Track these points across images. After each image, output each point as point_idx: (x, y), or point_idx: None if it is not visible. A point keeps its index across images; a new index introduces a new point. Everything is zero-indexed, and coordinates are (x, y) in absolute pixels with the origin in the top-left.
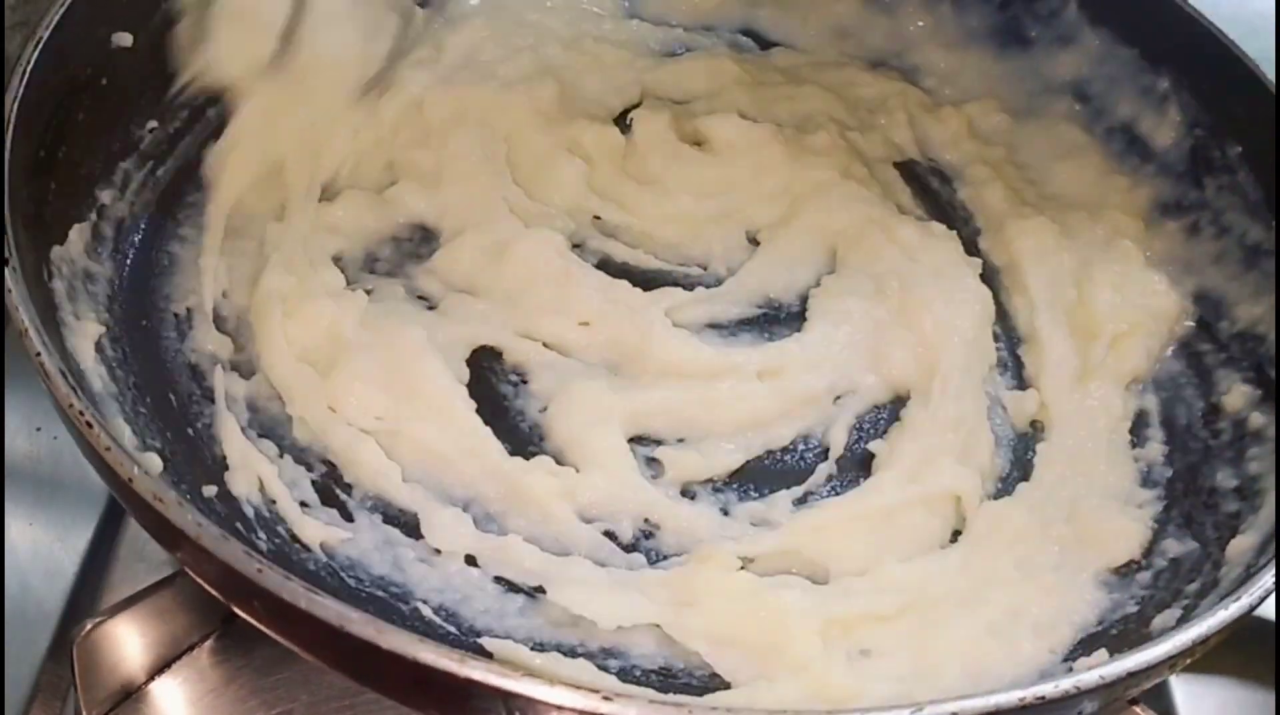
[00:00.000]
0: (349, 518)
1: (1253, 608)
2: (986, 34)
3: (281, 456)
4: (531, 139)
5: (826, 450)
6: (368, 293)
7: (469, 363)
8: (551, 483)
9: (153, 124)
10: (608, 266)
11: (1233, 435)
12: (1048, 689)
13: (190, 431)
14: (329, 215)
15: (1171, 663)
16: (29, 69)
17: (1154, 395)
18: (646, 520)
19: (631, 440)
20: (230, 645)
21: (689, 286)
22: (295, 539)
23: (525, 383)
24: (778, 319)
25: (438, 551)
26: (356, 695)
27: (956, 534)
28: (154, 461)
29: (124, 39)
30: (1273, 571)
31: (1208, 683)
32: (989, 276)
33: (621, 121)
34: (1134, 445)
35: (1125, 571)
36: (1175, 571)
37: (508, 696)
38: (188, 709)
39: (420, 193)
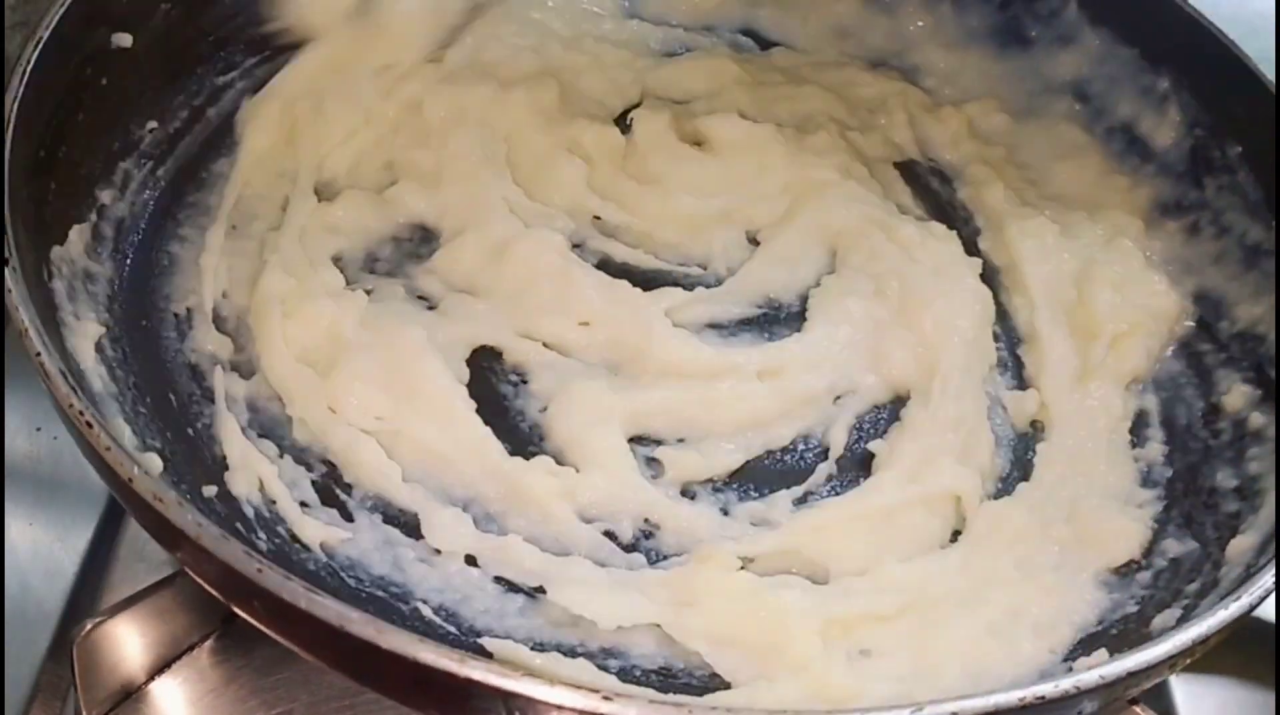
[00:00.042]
0: (349, 518)
1: (1253, 607)
2: (986, 34)
3: (281, 456)
4: (531, 139)
5: (826, 450)
6: (368, 293)
7: (469, 363)
8: (551, 483)
9: (152, 124)
10: (608, 266)
11: (1233, 435)
12: (1047, 689)
13: (190, 431)
14: (329, 215)
15: (1171, 662)
16: (29, 69)
17: (1154, 395)
18: (646, 520)
19: (631, 440)
20: (230, 645)
21: (689, 286)
22: (295, 539)
23: (525, 383)
24: (778, 319)
25: (438, 551)
26: (356, 695)
27: (956, 534)
28: (154, 462)
29: (124, 39)
30: (1273, 571)
31: (1208, 683)
32: (989, 276)
33: (621, 121)
34: (1134, 445)
35: (1125, 571)
36: (1175, 571)
37: (508, 696)
38: (188, 709)
39: (420, 193)
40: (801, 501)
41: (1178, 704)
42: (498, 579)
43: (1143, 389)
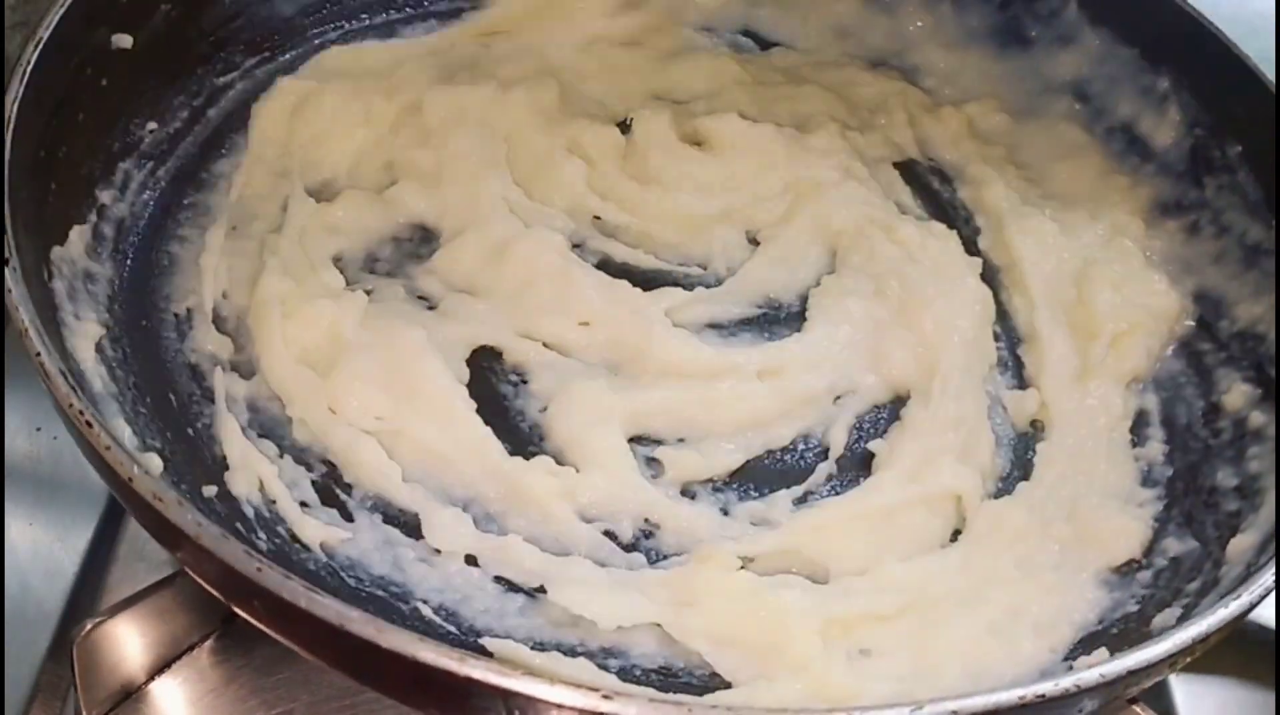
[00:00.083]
0: (349, 518)
1: (1253, 606)
2: (986, 34)
3: (281, 456)
4: (532, 139)
5: (826, 450)
6: (368, 293)
7: (469, 363)
8: (551, 483)
9: (153, 125)
10: (608, 266)
11: (1233, 434)
12: (1047, 687)
13: (190, 431)
14: (329, 215)
15: (1172, 661)
16: (29, 69)
17: (1154, 394)
18: (646, 520)
19: (631, 440)
20: (230, 645)
21: (689, 286)
22: (295, 539)
23: (525, 383)
24: (778, 319)
25: (438, 551)
26: (357, 695)
27: (957, 533)
28: (154, 461)
29: (124, 40)
30: (1273, 570)
31: (1208, 683)
32: (989, 276)
33: (621, 121)
34: (1134, 444)
35: (1126, 570)
36: (1176, 570)
37: (508, 695)
38: (188, 709)
39: (420, 193)
40: (801, 501)
41: (1178, 704)
42: (498, 579)
43: (1143, 388)
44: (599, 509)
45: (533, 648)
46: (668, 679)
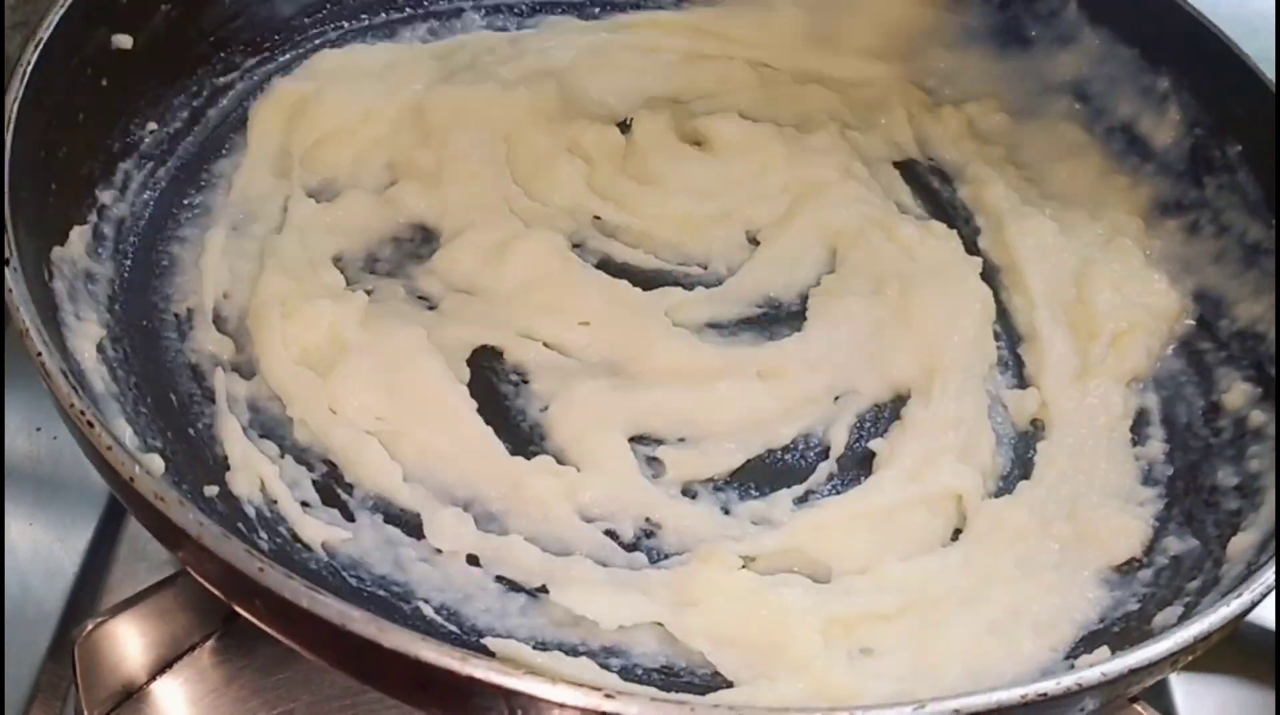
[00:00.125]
0: (350, 518)
1: (1254, 604)
2: (986, 34)
3: (283, 456)
4: (532, 139)
5: (827, 449)
6: (368, 293)
7: (469, 363)
8: (553, 482)
9: (153, 125)
10: (608, 266)
11: (1233, 433)
12: (1049, 686)
13: (191, 432)
14: (329, 215)
15: (1173, 660)
16: (29, 70)
17: (1154, 393)
18: (648, 519)
19: (632, 440)
20: (231, 645)
21: (689, 286)
22: (297, 539)
23: (526, 382)
24: (778, 318)
25: (439, 551)
26: (358, 695)
27: (958, 532)
28: (155, 462)
29: (124, 40)
30: (1273, 569)
31: (1208, 681)
32: (989, 275)
33: (621, 122)
34: (1135, 443)
35: (1126, 569)
36: (1176, 569)
37: (510, 695)
38: (189, 709)
39: (421, 193)
40: (802, 500)
41: (1178, 703)
42: (499, 578)
43: (1143, 387)
44: (600, 508)
45: (534, 647)
46: (669, 678)
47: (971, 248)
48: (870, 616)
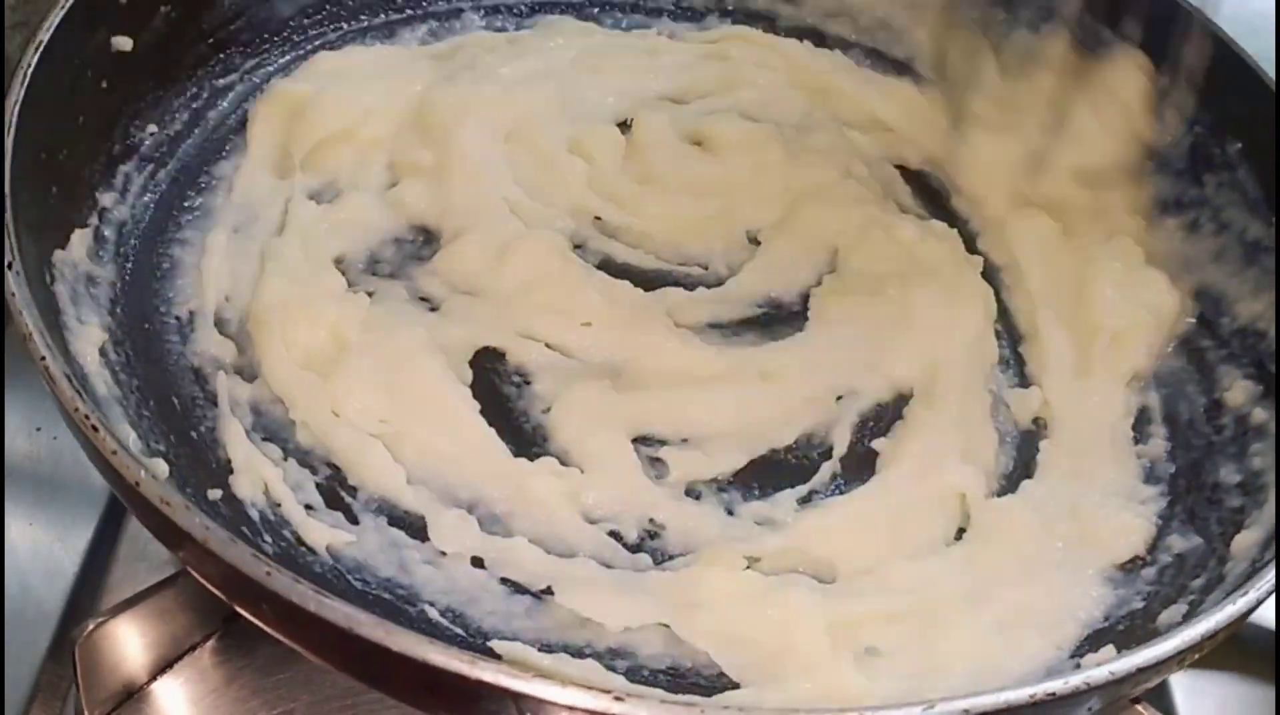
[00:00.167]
0: (354, 520)
1: (1259, 602)
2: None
3: (286, 459)
4: (532, 139)
5: (830, 449)
6: (369, 295)
7: (471, 364)
8: (556, 484)
9: (153, 128)
10: (609, 267)
11: (1235, 431)
12: (1058, 685)
13: (194, 435)
14: (330, 217)
15: (1180, 658)
16: (29, 72)
17: (1155, 392)
18: (651, 520)
19: (635, 440)
20: (232, 645)
21: (690, 286)
22: (301, 542)
23: (528, 384)
24: (779, 318)
25: (444, 554)
26: (358, 695)
27: (961, 532)
28: (160, 466)
29: (123, 43)
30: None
31: (1207, 679)
32: (989, 274)
33: (622, 122)
34: (1137, 442)
35: (1130, 567)
36: (1180, 567)
37: (519, 698)
38: (189, 709)
39: (421, 194)
40: (806, 501)
41: (1177, 702)
42: (504, 581)
43: (1144, 386)
44: (603, 510)
45: (540, 649)
46: (675, 679)
47: (971, 247)
48: (876, 616)
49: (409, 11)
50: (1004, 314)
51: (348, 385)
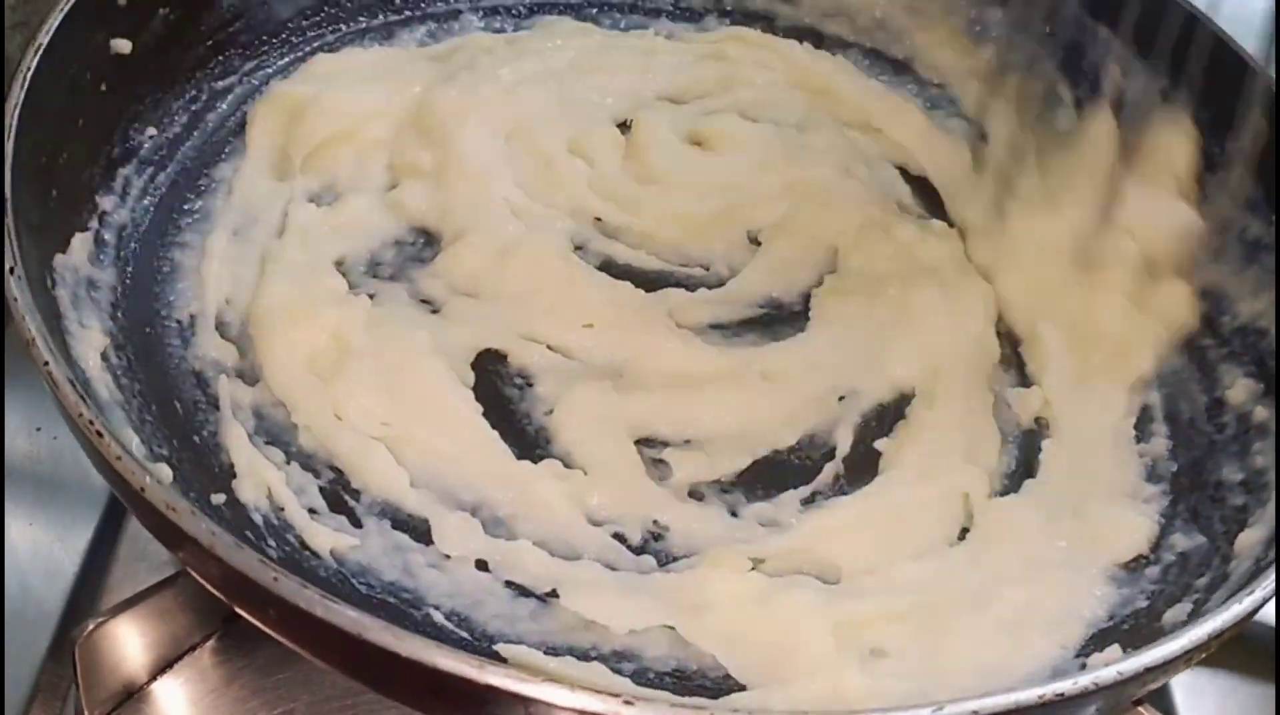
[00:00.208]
0: (357, 524)
1: (1266, 600)
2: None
3: (289, 463)
4: (532, 140)
5: (833, 450)
6: (371, 297)
7: (474, 366)
8: (560, 486)
9: (152, 130)
10: (610, 268)
11: (1237, 429)
12: (1066, 686)
13: (196, 439)
14: (331, 219)
15: (1188, 657)
16: (29, 75)
17: (1157, 391)
18: (655, 522)
19: (637, 442)
20: (232, 645)
21: (691, 287)
22: (305, 546)
23: (530, 386)
24: (780, 319)
25: (448, 557)
26: (358, 695)
27: (965, 531)
28: (164, 471)
29: (122, 45)
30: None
31: (1208, 677)
32: (990, 274)
33: (622, 122)
34: (1138, 440)
35: (1134, 566)
36: (1184, 566)
37: (527, 702)
38: (189, 709)
39: (422, 195)
40: (810, 502)
41: (1177, 700)
42: (508, 583)
43: (1146, 385)
44: (607, 512)
45: (546, 652)
46: (681, 681)
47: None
48: (881, 617)
49: (407, 13)
50: (1005, 313)
51: (350, 388)
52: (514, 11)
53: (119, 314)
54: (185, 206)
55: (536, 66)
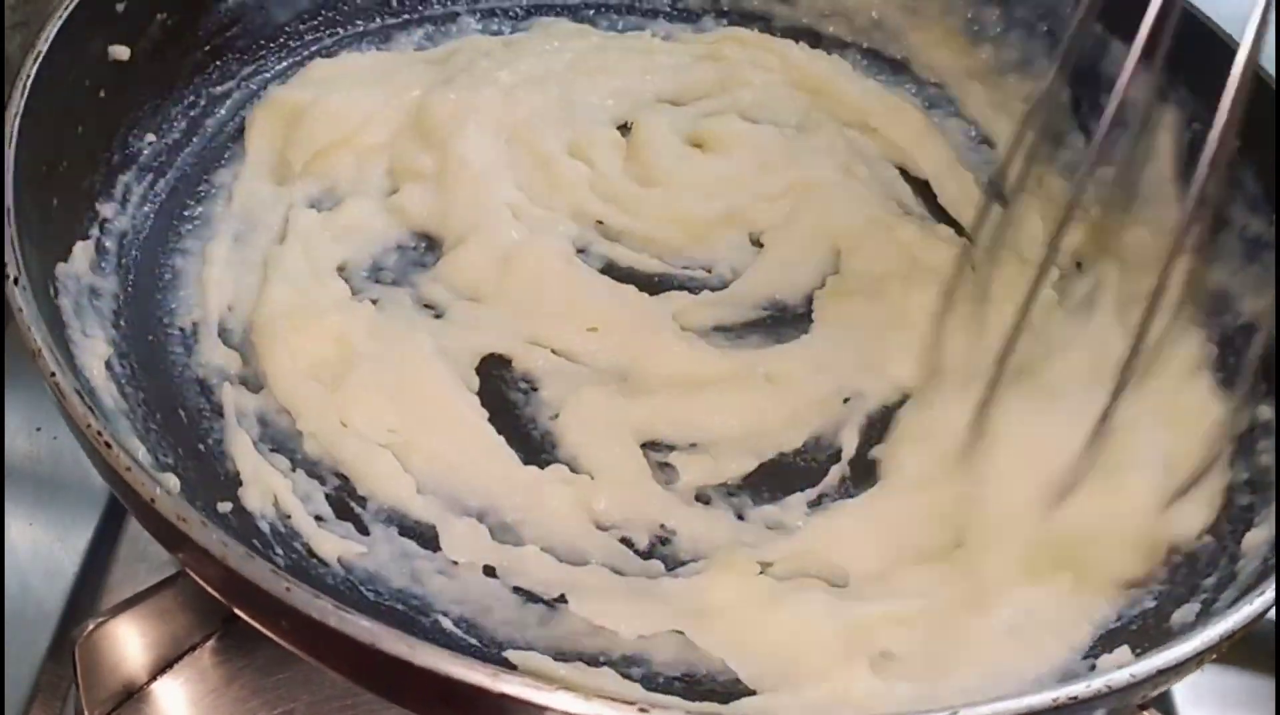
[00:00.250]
0: (365, 531)
1: (1276, 601)
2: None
3: (294, 471)
4: (533, 143)
5: (839, 452)
6: (373, 302)
7: (478, 371)
8: (566, 491)
9: (151, 137)
10: (612, 271)
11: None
12: (1079, 689)
13: (201, 447)
14: (332, 224)
15: (1199, 659)
16: (28, 83)
17: None
18: (662, 526)
19: (643, 446)
20: (231, 645)
21: (695, 290)
22: (312, 554)
23: (535, 390)
24: (784, 321)
25: (455, 563)
26: (358, 695)
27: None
28: (172, 481)
29: (121, 52)
30: None
31: (1208, 673)
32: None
33: (622, 124)
34: None
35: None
36: (1192, 566)
37: (542, 711)
38: (189, 709)
39: (423, 199)
40: (816, 504)
41: (1178, 700)
42: (517, 589)
43: None
44: (614, 516)
45: (555, 659)
46: (691, 686)
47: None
48: (889, 620)
49: (405, 16)
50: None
51: (354, 394)
52: (511, 13)
53: (121, 322)
54: (186, 213)
55: (535, 69)
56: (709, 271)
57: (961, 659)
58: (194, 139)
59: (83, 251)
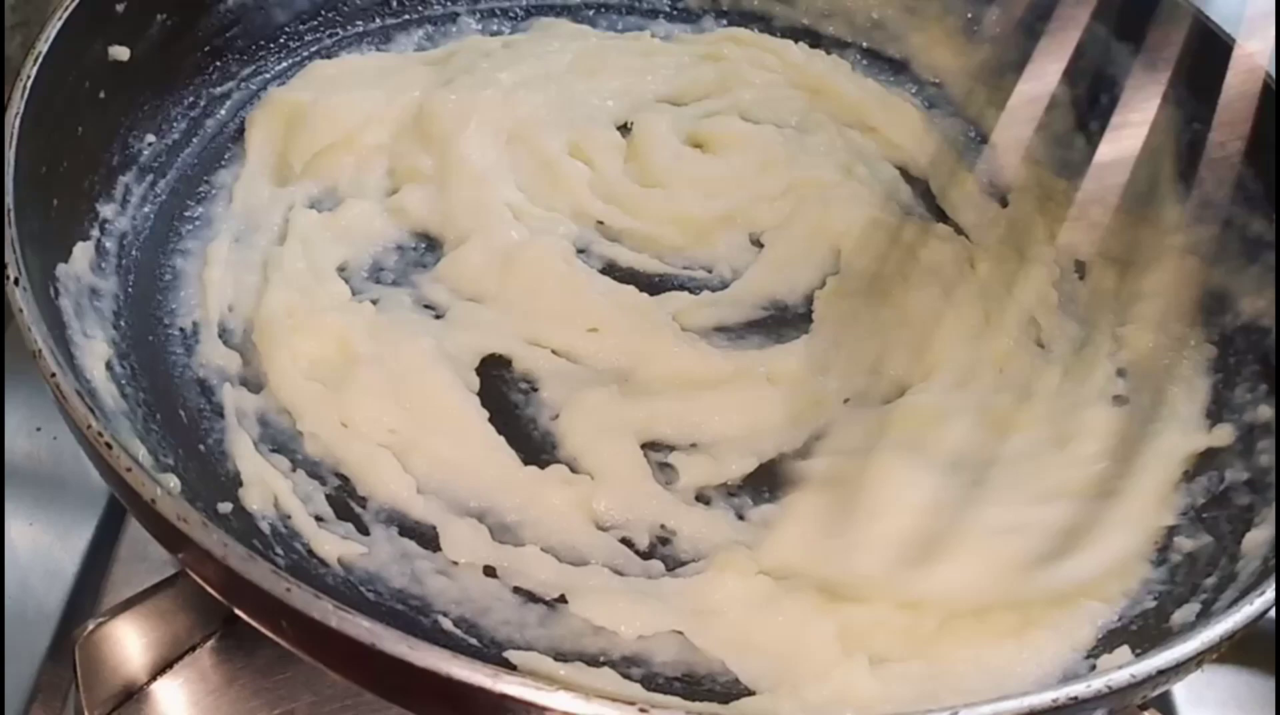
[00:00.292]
0: (365, 531)
1: (1276, 601)
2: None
3: (294, 471)
4: (533, 143)
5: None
6: (374, 303)
7: (478, 371)
8: (567, 492)
9: (151, 137)
10: (613, 271)
11: (1241, 429)
12: (1080, 689)
13: (202, 447)
14: (332, 225)
15: (1199, 659)
16: (29, 84)
17: None
18: (663, 526)
19: (644, 446)
20: (232, 645)
21: (695, 290)
22: (312, 554)
23: (535, 391)
24: (784, 321)
25: (455, 563)
26: (358, 695)
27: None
28: (172, 481)
29: (121, 52)
30: None
31: (1208, 672)
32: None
33: (622, 125)
34: None
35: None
36: (1192, 566)
37: (542, 711)
38: (189, 709)
39: (423, 199)
40: None
41: (1178, 699)
42: (517, 590)
43: None
44: (614, 517)
45: (555, 659)
46: (691, 686)
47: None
48: (889, 620)
49: (405, 16)
50: None
51: (355, 395)
52: (510, 14)
53: (122, 323)
54: (186, 213)
55: (535, 69)
56: (709, 272)
57: (962, 659)
58: (194, 140)
59: (83, 252)
